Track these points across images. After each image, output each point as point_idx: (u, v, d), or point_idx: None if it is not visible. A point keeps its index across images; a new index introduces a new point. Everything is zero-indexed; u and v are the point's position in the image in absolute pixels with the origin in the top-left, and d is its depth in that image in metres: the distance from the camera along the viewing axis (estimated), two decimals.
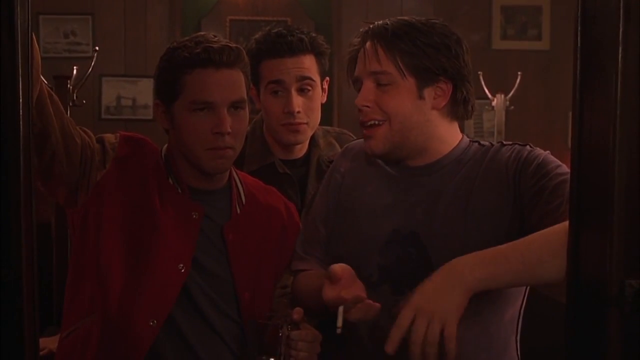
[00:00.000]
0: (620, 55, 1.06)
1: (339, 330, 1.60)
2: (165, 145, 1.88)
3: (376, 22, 1.79)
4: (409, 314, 1.50)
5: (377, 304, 1.62)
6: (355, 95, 1.82)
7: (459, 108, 1.78)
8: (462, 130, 1.86)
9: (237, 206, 1.88)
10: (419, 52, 1.73)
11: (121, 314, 1.72)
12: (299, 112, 2.20)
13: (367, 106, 1.76)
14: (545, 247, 1.52)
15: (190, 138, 1.78)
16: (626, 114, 1.07)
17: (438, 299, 1.50)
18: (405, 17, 1.78)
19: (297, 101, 2.20)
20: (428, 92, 1.75)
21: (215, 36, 1.83)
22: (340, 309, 1.60)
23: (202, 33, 1.85)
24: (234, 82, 1.79)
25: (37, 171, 1.67)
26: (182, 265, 1.76)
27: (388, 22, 1.77)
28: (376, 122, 1.76)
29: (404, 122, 1.75)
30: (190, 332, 1.78)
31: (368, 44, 1.77)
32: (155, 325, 1.72)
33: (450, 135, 1.81)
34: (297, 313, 1.71)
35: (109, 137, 1.81)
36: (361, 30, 1.81)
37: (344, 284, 1.64)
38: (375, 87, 1.76)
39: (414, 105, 1.75)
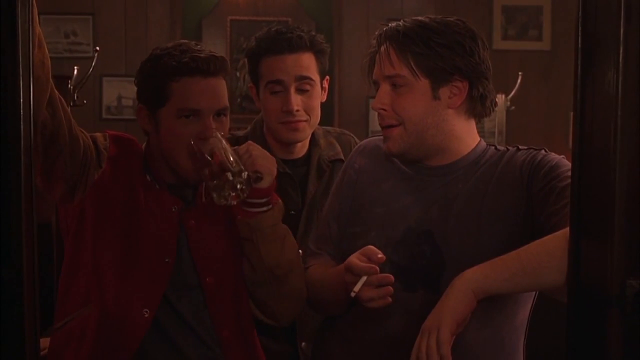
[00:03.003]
0: (620, 55, 1.07)
1: (352, 294, 1.65)
2: (144, 145, 1.93)
3: (390, 24, 1.80)
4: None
5: (390, 276, 1.66)
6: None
7: (477, 105, 1.79)
8: None
9: (203, 195, 1.91)
10: (431, 53, 1.73)
11: (117, 304, 1.79)
12: (297, 110, 2.20)
13: (384, 109, 1.78)
14: (545, 253, 1.53)
15: (174, 144, 1.82)
16: (627, 113, 1.07)
17: (437, 312, 1.54)
18: (420, 17, 1.79)
19: (296, 100, 2.20)
20: (443, 92, 1.75)
21: (197, 44, 1.89)
22: (364, 278, 1.65)
23: (184, 41, 1.90)
24: (219, 90, 1.84)
25: (40, 169, 1.72)
26: (167, 258, 1.83)
27: (401, 24, 1.78)
28: (392, 124, 1.78)
29: (418, 125, 1.76)
30: (160, 319, 1.83)
31: (382, 47, 1.79)
32: (149, 314, 1.79)
33: (467, 135, 1.82)
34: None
35: (99, 137, 1.86)
36: (376, 32, 1.83)
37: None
38: (391, 89, 1.78)
39: (429, 107, 1.76)
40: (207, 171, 1.73)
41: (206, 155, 1.73)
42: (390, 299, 1.66)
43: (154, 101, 1.84)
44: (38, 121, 1.61)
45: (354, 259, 1.69)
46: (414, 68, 1.74)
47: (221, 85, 1.85)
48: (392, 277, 1.66)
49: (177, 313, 1.83)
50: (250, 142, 1.82)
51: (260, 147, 1.81)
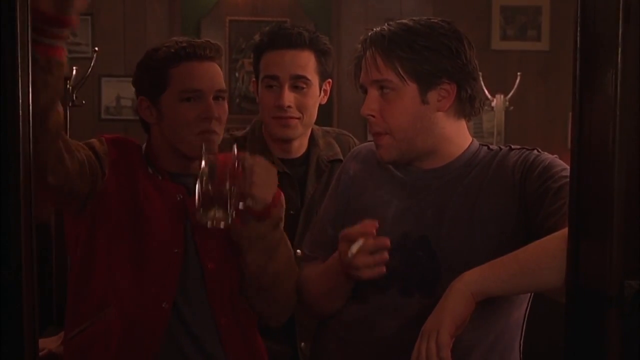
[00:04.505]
0: (619, 56, 1.07)
1: (350, 255, 1.66)
2: (144, 144, 1.96)
3: (374, 29, 1.79)
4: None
5: (387, 239, 1.66)
6: (358, 97, 1.83)
7: (466, 106, 1.78)
8: None
9: None
10: (418, 57, 1.72)
11: (135, 302, 1.81)
12: (289, 106, 2.21)
13: (372, 115, 1.77)
14: (543, 254, 1.53)
15: (178, 127, 1.86)
16: (626, 114, 1.07)
17: (437, 315, 1.53)
18: (404, 20, 1.78)
19: (289, 96, 2.21)
20: (432, 96, 1.75)
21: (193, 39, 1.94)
22: (360, 241, 1.66)
23: (175, 38, 1.95)
24: (217, 73, 1.90)
25: (55, 200, 1.82)
26: (177, 249, 1.85)
27: (385, 28, 1.77)
28: (380, 132, 1.78)
29: (408, 132, 1.76)
30: None
31: (368, 52, 1.78)
32: (167, 306, 1.82)
33: (458, 136, 1.81)
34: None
35: (96, 144, 1.87)
36: (361, 37, 1.82)
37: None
38: (379, 94, 1.77)
39: (418, 112, 1.75)
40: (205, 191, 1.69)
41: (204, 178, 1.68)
42: (384, 269, 1.65)
43: (154, 89, 1.88)
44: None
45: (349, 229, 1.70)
46: (401, 72, 1.73)
47: (218, 69, 1.91)
48: (388, 241, 1.66)
49: (179, 308, 1.83)
50: (258, 159, 1.78)
51: (265, 167, 1.78)
